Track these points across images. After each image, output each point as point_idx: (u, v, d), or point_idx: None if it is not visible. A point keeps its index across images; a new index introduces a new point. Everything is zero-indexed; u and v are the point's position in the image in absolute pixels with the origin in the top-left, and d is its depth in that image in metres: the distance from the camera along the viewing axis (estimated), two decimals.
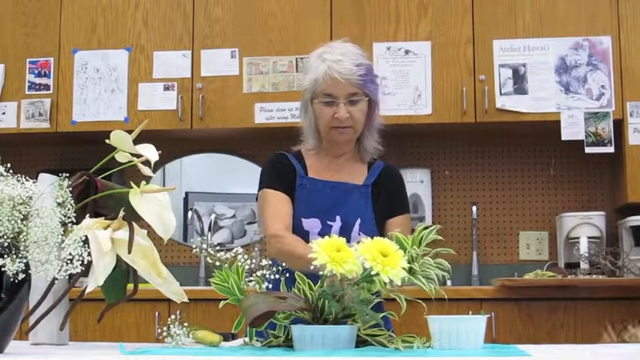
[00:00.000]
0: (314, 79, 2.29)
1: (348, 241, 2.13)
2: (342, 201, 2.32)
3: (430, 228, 1.67)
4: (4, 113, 3.94)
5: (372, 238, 2.18)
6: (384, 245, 1.52)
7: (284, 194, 2.31)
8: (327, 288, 1.54)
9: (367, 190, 2.34)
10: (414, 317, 1.67)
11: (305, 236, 2.24)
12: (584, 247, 3.58)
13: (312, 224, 2.28)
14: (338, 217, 2.28)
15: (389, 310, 1.74)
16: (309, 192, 2.32)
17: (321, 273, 1.51)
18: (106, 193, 1.63)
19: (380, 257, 1.49)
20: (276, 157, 2.41)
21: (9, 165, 1.48)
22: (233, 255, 1.63)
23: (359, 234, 2.26)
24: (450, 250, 1.76)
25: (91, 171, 1.66)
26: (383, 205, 2.34)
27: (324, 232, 2.24)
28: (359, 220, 2.29)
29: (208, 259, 1.63)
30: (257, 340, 1.66)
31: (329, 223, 2.28)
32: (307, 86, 2.32)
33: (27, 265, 1.42)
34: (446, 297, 1.68)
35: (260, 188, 2.36)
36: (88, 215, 1.54)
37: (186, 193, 4.35)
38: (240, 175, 4.32)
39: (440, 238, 1.78)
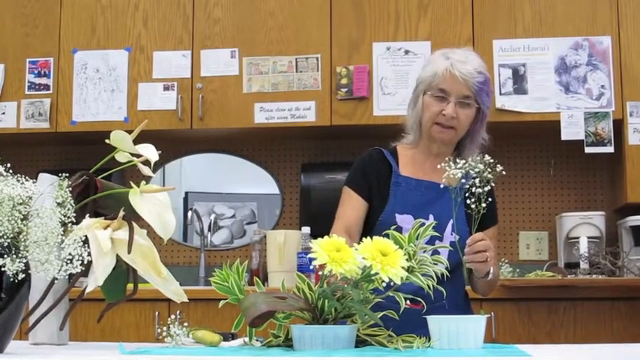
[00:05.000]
0: (433, 72, 2.32)
1: (441, 240, 2.14)
2: (435, 200, 2.31)
3: (426, 224, 1.67)
4: (3, 113, 3.94)
5: (464, 238, 2.19)
6: (383, 244, 1.52)
7: (359, 197, 2.36)
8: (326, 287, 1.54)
9: (461, 192, 2.26)
10: None
11: (398, 231, 2.24)
12: (583, 247, 3.58)
13: (405, 220, 2.27)
14: (431, 216, 2.26)
15: None
16: (403, 189, 2.34)
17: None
18: (105, 193, 1.63)
19: (379, 256, 1.49)
20: (370, 153, 2.43)
21: (9, 165, 1.49)
22: None
23: (451, 234, 2.27)
24: (447, 246, 1.77)
25: (90, 171, 1.66)
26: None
27: None
28: (452, 221, 2.27)
29: None
30: (257, 340, 1.66)
31: (422, 220, 2.27)
32: (423, 78, 2.36)
33: (27, 265, 1.42)
34: (445, 293, 1.68)
35: (345, 182, 2.42)
36: (87, 215, 1.54)
37: (186, 193, 4.35)
38: (240, 175, 4.33)
39: (437, 234, 1.78)
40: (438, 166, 2.08)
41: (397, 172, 2.36)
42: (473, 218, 2.03)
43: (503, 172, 1.99)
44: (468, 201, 1.99)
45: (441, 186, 2.15)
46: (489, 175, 1.96)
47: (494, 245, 2.38)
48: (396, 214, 2.29)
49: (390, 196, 2.33)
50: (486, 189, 2.00)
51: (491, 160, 1.99)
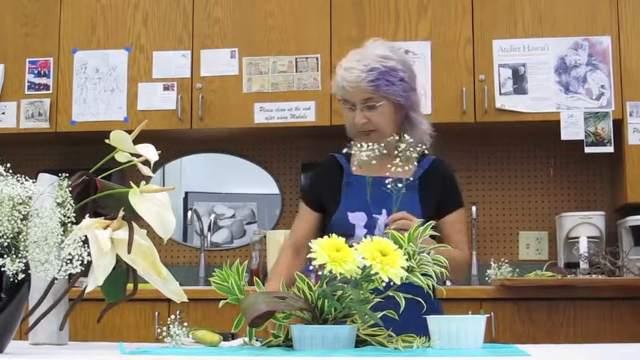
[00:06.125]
0: (335, 85, 2.39)
1: None
2: (389, 194, 2.30)
3: (426, 224, 1.67)
4: (3, 113, 3.94)
5: None
6: (383, 244, 1.52)
7: (309, 209, 2.45)
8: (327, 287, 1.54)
9: (414, 183, 2.32)
10: None
11: (351, 229, 2.28)
12: (583, 246, 3.58)
13: (358, 217, 2.30)
14: (384, 210, 2.27)
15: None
16: (355, 188, 2.36)
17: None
18: (105, 193, 1.63)
19: (379, 256, 1.49)
20: (323, 161, 2.52)
21: (9, 165, 1.48)
22: None
23: None
24: (446, 245, 1.77)
25: (90, 171, 1.66)
26: (434, 201, 2.34)
27: (370, 224, 2.27)
28: (405, 213, 2.28)
29: None
30: (257, 340, 1.66)
31: (375, 216, 2.29)
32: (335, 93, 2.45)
33: (27, 265, 1.42)
34: (444, 293, 1.68)
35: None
36: (87, 215, 1.54)
37: (186, 193, 4.35)
38: (240, 175, 4.33)
39: (436, 234, 1.78)
40: (389, 166, 2.18)
41: (349, 172, 2.40)
42: (430, 207, 2.22)
43: (426, 152, 2.09)
44: (388, 179, 2.12)
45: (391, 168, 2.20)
46: (413, 154, 2.15)
47: (460, 230, 2.41)
48: (349, 213, 2.32)
49: (342, 197, 2.36)
50: (407, 168, 2.16)
51: (411, 140, 2.17)
